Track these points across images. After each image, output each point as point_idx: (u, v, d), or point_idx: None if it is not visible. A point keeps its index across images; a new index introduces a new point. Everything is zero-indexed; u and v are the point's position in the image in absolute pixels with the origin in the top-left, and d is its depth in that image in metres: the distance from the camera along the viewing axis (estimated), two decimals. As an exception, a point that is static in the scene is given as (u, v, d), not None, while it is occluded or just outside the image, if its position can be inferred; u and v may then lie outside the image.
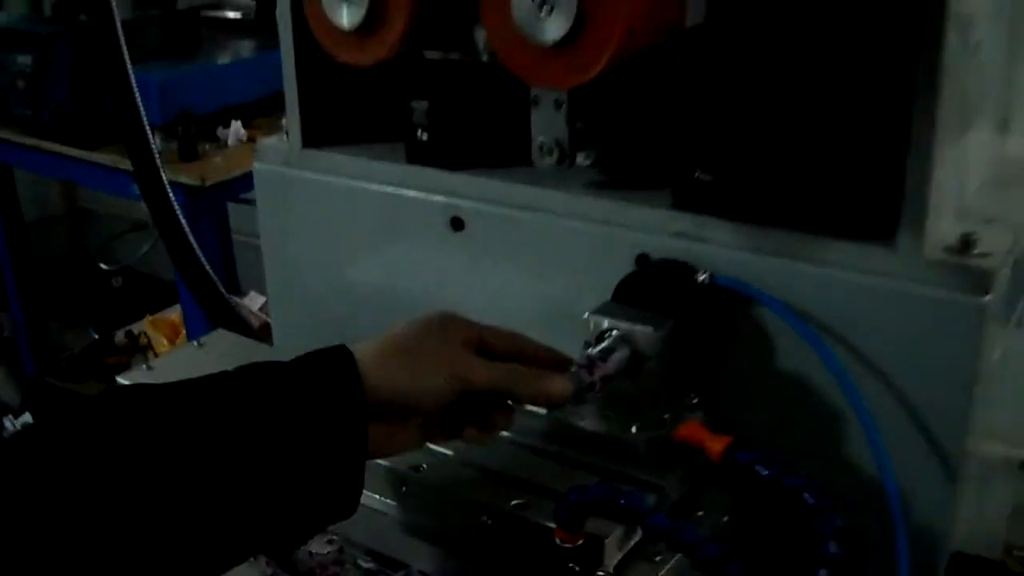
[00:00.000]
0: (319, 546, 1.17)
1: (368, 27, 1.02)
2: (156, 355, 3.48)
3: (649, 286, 1.09)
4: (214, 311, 1.96)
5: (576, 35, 0.88)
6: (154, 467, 0.83)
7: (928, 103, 0.99)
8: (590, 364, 1.01)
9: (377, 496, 1.08)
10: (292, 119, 1.45)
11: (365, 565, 1.16)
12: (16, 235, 3.42)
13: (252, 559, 1.17)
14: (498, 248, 1.28)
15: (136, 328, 3.73)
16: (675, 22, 0.96)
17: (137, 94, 1.96)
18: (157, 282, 4.36)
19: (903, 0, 0.98)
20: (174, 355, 1.46)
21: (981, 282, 1.01)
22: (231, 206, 2.83)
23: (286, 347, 1.50)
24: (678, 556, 0.98)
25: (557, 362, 1.04)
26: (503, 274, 1.28)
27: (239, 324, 1.93)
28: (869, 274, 1.05)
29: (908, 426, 1.07)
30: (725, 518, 1.07)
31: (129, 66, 1.94)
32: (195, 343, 1.46)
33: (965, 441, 1.06)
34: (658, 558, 0.99)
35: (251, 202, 2.93)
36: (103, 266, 4.38)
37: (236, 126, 2.65)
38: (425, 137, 1.30)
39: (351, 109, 1.43)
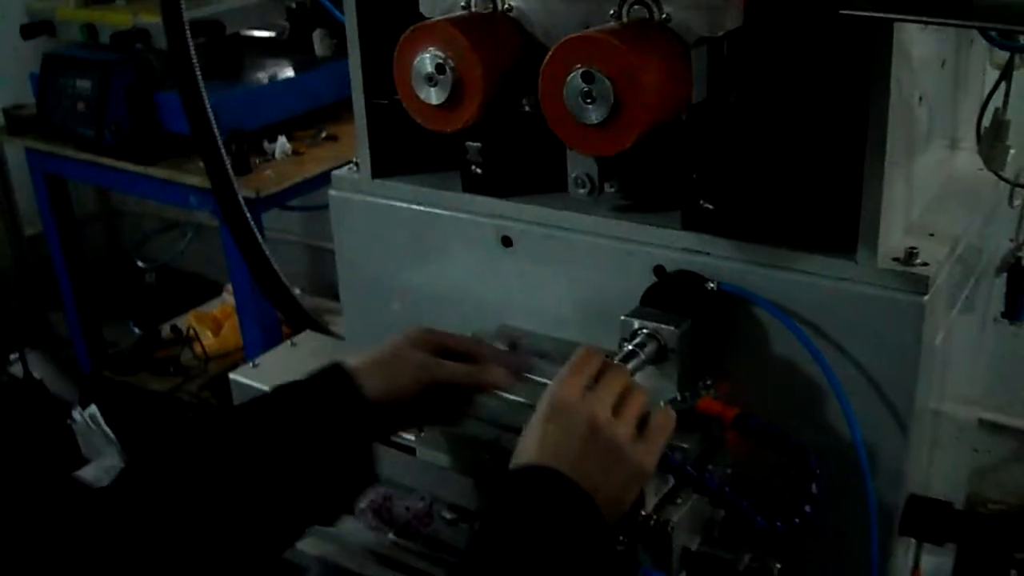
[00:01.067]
0: (412, 501, 1.49)
1: (450, 105, 1.32)
2: (203, 347, 3.74)
3: (670, 293, 1.40)
4: (289, 313, 2.25)
5: (613, 119, 1.18)
6: (234, 467, 1.20)
7: (876, 149, 1.30)
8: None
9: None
10: (362, 153, 1.74)
11: (448, 516, 1.47)
12: (69, 238, 3.69)
13: (357, 515, 1.50)
14: (541, 261, 1.58)
15: (180, 322, 4.00)
16: (686, 101, 1.26)
17: (213, 122, 2.23)
18: (189, 277, 4.62)
19: (857, 71, 1.28)
20: (273, 353, 1.75)
21: (920, 286, 1.32)
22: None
23: (357, 342, 1.81)
24: (694, 498, 1.29)
25: (500, 357, 1.40)
26: (545, 283, 1.58)
27: (311, 323, 2.22)
28: (836, 280, 1.36)
29: (870, 394, 1.38)
30: (729, 470, 1.38)
31: (205, 96, 2.21)
32: (290, 343, 1.77)
33: (913, 404, 1.37)
34: (678, 500, 1.30)
35: (294, 208, 3.22)
36: (140, 263, 4.61)
37: (282, 141, 2.94)
38: (479, 171, 1.59)
39: (412, 144, 1.68)
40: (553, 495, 1.13)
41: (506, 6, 1.36)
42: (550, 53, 1.21)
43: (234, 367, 3.52)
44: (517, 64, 1.33)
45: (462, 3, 1.39)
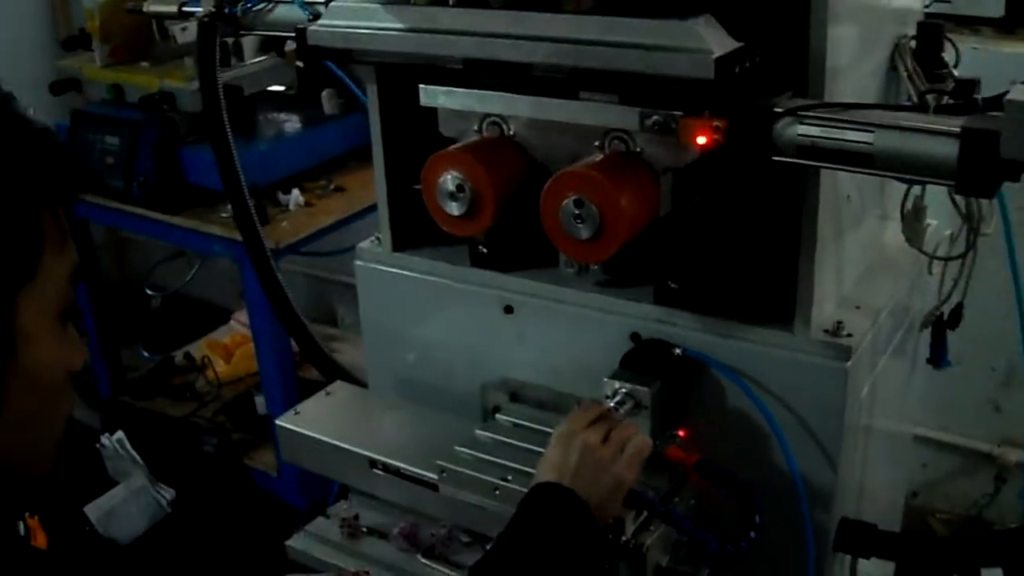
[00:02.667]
0: (436, 528, 1.81)
1: (468, 216, 1.64)
2: (216, 374, 4.03)
3: (643, 358, 1.73)
4: (316, 361, 2.56)
5: (598, 236, 1.51)
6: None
7: (808, 244, 1.63)
8: None
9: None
10: (384, 229, 2.05)
11: (465, 540, 1.80)
12: (90, 270, 3.97)
13: (389, 538, 1.83)
14: (538, 326, 1.90)
15: (191, 348, 4.29)
16: (655, 214, 1.59)
17: (244, 184, 2.52)
18: (197, 304, 4.89)
19: (793, 179, 1.61)
20: (312, 401, 2.04)
21: (845, 354, 1.66)
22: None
23: (379, 389, 2.13)
24: (663, 527, 1.62)
25: None
26: (541, 343, 1.90)
27: (337, 370, 2.52)
28: (778, 348, 1.70)
29: (806, 438, 1.71)
30: (692, 501, 1.71)
31: (236, 157, 2.51)
32: (324, 392, 2.08)
33: (841, 445, 1.70)
34: (651, 528, 1.63)
35: (305, 254, 3.50)
36: (148, 291, 4.86)
37: (296, 194, 3.24)
38: (484, 250, 1.91)
39: (426, 222, 1.91)
40: (555, 502, 1.50)
41: (511, 132, 1.69)
42: (548, 183, 1.54)
43: (246, 392, 3.87)
44: (521, 181, 1.66)
45: (475, 127, 1.71)
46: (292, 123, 3.51)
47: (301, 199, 3.27)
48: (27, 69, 4.19)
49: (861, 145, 1.39)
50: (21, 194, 0.96)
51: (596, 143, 1.61)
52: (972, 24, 3.05)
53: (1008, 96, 1.30)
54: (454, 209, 1.65)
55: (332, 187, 3.38)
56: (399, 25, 1.63)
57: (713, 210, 1.66)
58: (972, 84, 1.73)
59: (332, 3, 1.73)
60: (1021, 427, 3.22)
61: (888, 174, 1.44)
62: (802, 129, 1.43)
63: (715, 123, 1.42)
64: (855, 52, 1.68)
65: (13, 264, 0.96)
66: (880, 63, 1.82)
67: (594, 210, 1.50)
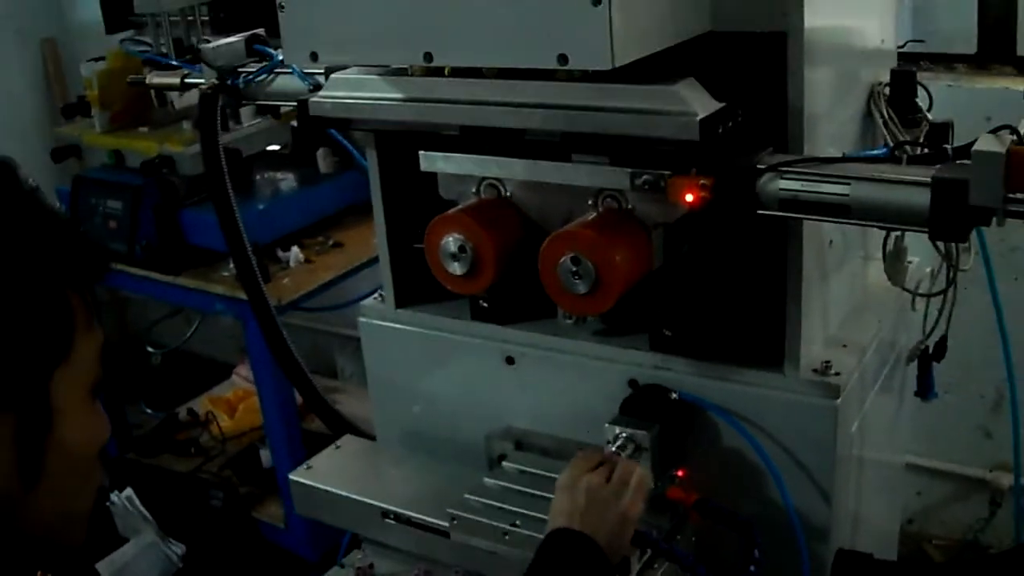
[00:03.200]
0: (448, 575, 1.88)
1: (470, 275, 1.72)
2: (220, 429, 4.09)
3: (641, 403, 1.80)
4: (321, 413, 2.63)
5: (594, 291, 1.59)
6: None
7: (794, 289, 1.71)
8: None
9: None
10: (387, 287, 2.13)
11: None
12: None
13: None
14: (538, 375, 1.97)
15: (194, 404, 4.36)
16: (648, 267, 1.67)
17: (247, 241, 2.60)
18: (197, 360, 4.95)
19: (777, 232, 1.69)
20: (322, 456, 2.12)
21: (834, 392, 1.74)
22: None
23: (386, 441, 2.20)
24: (666, 564, 1.69)
25: None
26: (542, 392, 1.97)
27: (342, 422, 2.59)
28: (769, 388, 1.77)
29: (799, 474, 1.79)
30: (693, 539, 1.78)
31: (242, 223, 2.58)
32: (334, 446, 2.15)
33: (834, 479, 1.77)
34: (655, 566, 1.70)
35: (307, 309, 3.57)
36: (149, 348, 4.92)
37: (295, 251, 3.32)
38: (484, 304, 1.99)
39: (427, 279, 1.95)
40: (567, 545, 1.58)
41: (507, 193, 1.77)
42: (546, 242, 1.63)
43: (251, 446, 3.94)
44: (519, 239, 1.74)
45: (473, 189, 1.80)
46: (289, 182, 3.59)
47: (301, 256, 3.35)
48: (26, 137, 4.30)
49: (839, 197, 1.48)
50: (52, 280, 1.03)
51: (589, 201, 1.69)
52: (946, 61, 3.15)
53: (975, 147, 1.38)
54: (456, 269, 1.73)
55: (331, 243, 3.46)
56: (397, 95, 1.71)
57: (703, 260, 1.74)
58: (945, 128, 1.83)
59: (332, 75, 1.81)
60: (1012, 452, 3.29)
61: (865, 223, 1.52)
62: (784, 184, 1.51)
63: (702, 181, 1.51)
64: (832, 101, 1.77)
65: (48, 346, 1.03)
66: (857, 109, 1.91)
67: (590, 266, 1.58)
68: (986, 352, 2.37)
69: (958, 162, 1.48)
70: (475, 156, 1.75)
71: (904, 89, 1.92)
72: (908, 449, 2.62)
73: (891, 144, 1.77)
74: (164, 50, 3.21)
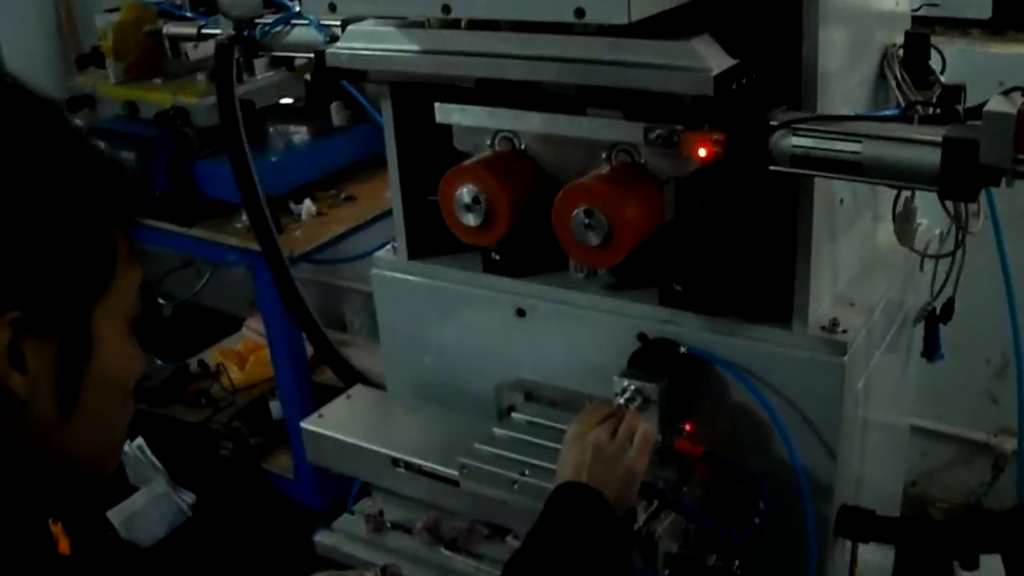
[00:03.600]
0: (458, 522, 1.91)
1: (484, 227, 1.74)
2: (231, 380, 4.13)
3: (650, 356, 1.82)
4: (333, 364, 2.66)
5: (607, 242, 1.61)
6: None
7: (804, 246, 1.73)
8: None
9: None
10: (400, 239, 2.15)
11: (486, 532, 1.90)
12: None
13: (412, 532, 1.92)
14: (549, 329, 1.99)
15: (205, 356, 4.39)
16: (660, 222, 1.69)
17: (261, 193, 2.62)
18: (208, 312, 4.98)
19: (788, 189, 1.70)
20: (333, 404, 2.14)
21: (841, 349, 1.76)
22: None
23: (396, 391, 2.23)
24: (672, 515, 1.72)
25: None
26: (552, 345, 2.00)
27: (353, 373, 2.62)
28: (777, 344, 1.79)
29: (806, 430, 1.81)
30: (700, 492, 1.81)
31: (256, 176, 2.60)
32: (346, 396, 2.18)
33: (839, 436, 1.80)
34: (661, 516, 1.73)
35: (318, 261, 3.59)
36: (160, 300, 4.95)
37: (308, 204, 3.34)
38: (496, 257, 2.00)
39: (440, 230, 1.99)
40: (575, 498, 1.61)
41: (522, 145, 1.79)
42: (560, 194, 1.64)
43: (261, 397, 3.98)
44: (533, 192, 1.75)
45: (487, 141, 1.81)
46: (302, 135, 3.60)
47: (313, 209, 3.36)
48: (39, 87, 4.29)
49: (850, 155, 1.49)
50: (97, 214, 1.06)
51: (603, 155, 1.71)
52: (960, 26, 3.14)
53: (987, 107, 1.40)
54: (471, 220, 1.75)
55: (343, 196, 3.47)
56: (414, 47, 1.73)
57: (714, 216, 1.76)
58: (957, 91, 1.83)
59: (349, 26, 1.82)
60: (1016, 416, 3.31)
61: (876, 181, 1.53)
62: (796, 141, 1.53)
63: (715, 136, 1.52)
64: (846, 61, 1.78)
65: (91, 278, 1.05)
66: (870, 71, 1.92)
67: (603, 219, 1.60)
68: (994, 316, 2.38)
69: (969, 123, 1.49)
70: (490, 108, 1.77)
71: (918, 52, 1.93)
72: (913, 411, 2.64)
73: (903, 105, 1.78)
74: (179, 1, 3.22)
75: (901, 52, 1.93)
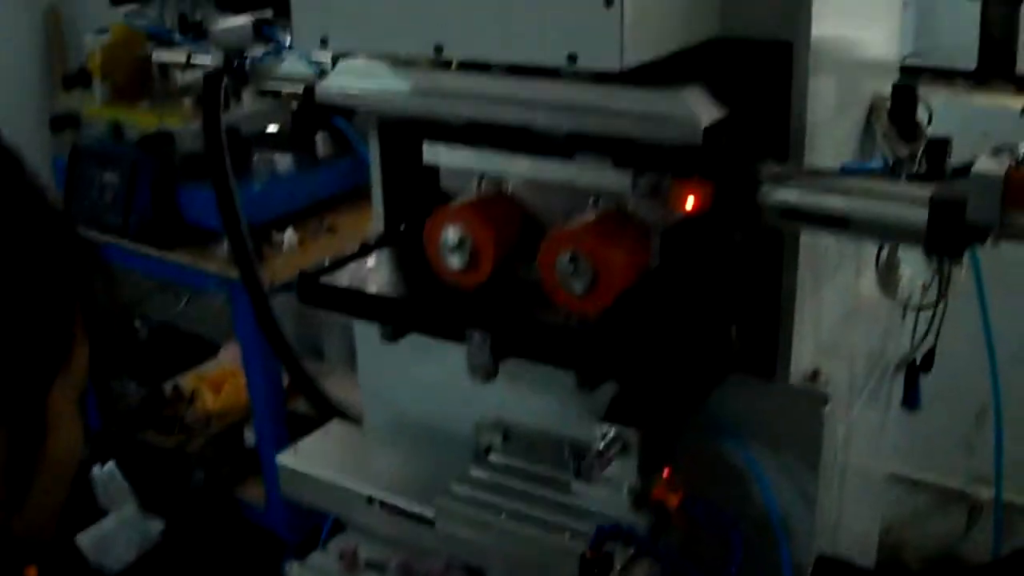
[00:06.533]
0: (432, 563, 1.90)
1: (468, 268, 1.73)
2: (206, 406, 4.11)
3: (630, 401, 1.81)
4: (309, 395, 2.64)
5: (591, 290, 1.61)
6: None
7: (788, 297, 1.73)
8: None
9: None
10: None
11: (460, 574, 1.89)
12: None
13: (386, 571, 1.90)
14: (530, 368, 1.95)
15: (180, 380, 4.37)
16: (645, 268, 1.68)
17: (244, 222, 2.61)
18: (185, 336, 4.96)
19: (772, 239, 1.70)
20: (308, 441, 2.13)
21: (823, 399, 1.75)
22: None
23: (374, 427, 2.22)
24: (649, 563, 1.70)
25: None
26: (533, 386, 1.98)
27: (329, 405, 2.60)
28: (759, 394, 1.79)
29: (785, 479, 1.81)
30: (676, 538, 1.80)
31: (239, 204, 2.59)
32: (322, 431, 2.16)
33: (818, 485, 1.79)
34: (638, 564, 1.72)
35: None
36: (137, 323, 4.93)
37: (290, 233, 3.35)
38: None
39: None
40: None
41: (508, 188, 1.78)
42: (546, 239, 1.64)
43: (236, 424, 3.94)
44: (518, 235, 1.75)
45: (475, 183, 1.81)
46: (287, 164, 3.60)
47: (295, 239, 3.36)
48: (25, 106, 4.29)
49: (838, 211, 1.49)
50: (56, 285, 1.00)
51: (590, 200, 1.70)
52: (946, 76, 3.17)
53: (974, 168, 1.40)
54: (455, 262, 1.74)
55: (325, 227, 3.47)
56: (403, 85, 1.72)
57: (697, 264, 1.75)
58: (943, 145, 1.84)
59: (340, 62, 1.82)
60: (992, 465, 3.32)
61: (863, 237, 1.54)
62: (784, 194, 1.53)
63: (703, 187, 1.52)
64: (834, 111, 1.78)
65: (50, 358, 0.99)
66: (857, 121, 1.93)
67: (588, 265, 1.59)
68: (972, 365, 2.39)
69: (956, 180, 1.50)
70: (478, 151, 1.76)
71: (905, 103, 1.93)
72: (890, 459, 2.64)
73: (888, 158, 1.80)
74: (168, 25, 3.22)
75: (888, 104, 1.94)
